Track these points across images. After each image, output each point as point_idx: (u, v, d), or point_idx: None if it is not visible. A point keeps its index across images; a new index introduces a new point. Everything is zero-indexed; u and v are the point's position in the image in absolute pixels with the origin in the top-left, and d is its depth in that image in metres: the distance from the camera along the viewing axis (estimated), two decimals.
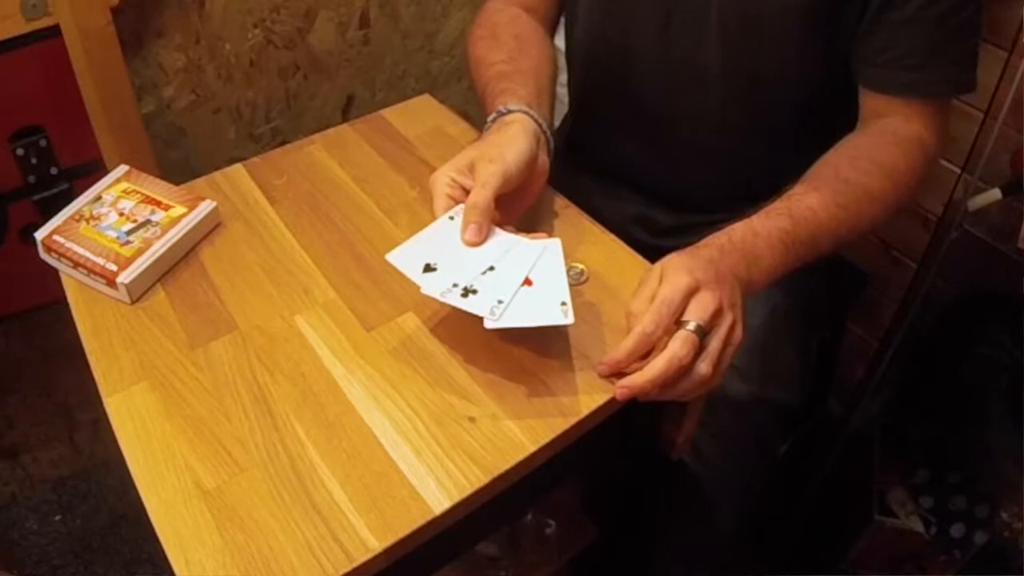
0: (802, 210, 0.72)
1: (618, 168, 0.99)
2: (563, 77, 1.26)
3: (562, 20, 1.02)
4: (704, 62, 0.85)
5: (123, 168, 0.83)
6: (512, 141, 0.72)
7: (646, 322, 0.62)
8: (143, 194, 0.80)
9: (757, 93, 0.85)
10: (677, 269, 0.64)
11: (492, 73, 0.83)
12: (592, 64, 0.97)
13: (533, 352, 0.69)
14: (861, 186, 0.75)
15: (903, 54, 0.77)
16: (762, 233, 0.70)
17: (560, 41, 1.05)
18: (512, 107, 0.76)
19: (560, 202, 0.83)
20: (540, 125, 0.76)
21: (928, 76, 0.77)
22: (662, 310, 0.62)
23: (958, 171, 1.09)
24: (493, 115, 0.76)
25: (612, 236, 0.80)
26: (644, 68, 0.89)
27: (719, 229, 0.96)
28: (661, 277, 0.65)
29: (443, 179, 0.70)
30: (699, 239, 0.96)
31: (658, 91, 0.90)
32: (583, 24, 0.95)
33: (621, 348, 0.63)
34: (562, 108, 1.11)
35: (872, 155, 0.77)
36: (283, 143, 1.21)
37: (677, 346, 0.61)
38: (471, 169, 0.70)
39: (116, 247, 0.75)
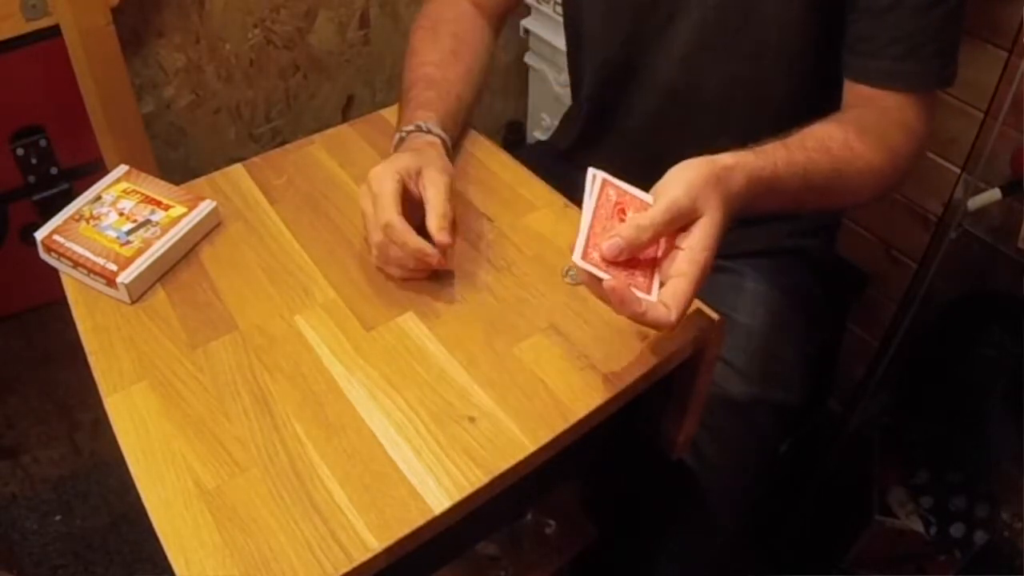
0: (813, 173, 0.72)
1: (620, 171, 0.99)
2: (563, 78, 1.27)
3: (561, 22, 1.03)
4: (706, 58, 0.85)
5: (123, 168, 0.83)
6: (445, 163, 0.77)
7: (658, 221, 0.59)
8: (143, 194, 0.80)
9: (759, 89, 0.86)
10: (715, 210, 0.60)
11: (420, 74, 0.85)
12: (598, 66, 0.97)
13: (533, 352, 0.69)
14: (864, 160, 0.74)
15: (886, 43, 0.76)
16: (781, 188, 0.69)
17: (561, 43, 1.05)
18: (433, 128, 0.79)
19: (560, 202, 0.82)
20: (448, 151, 0.80)
21: (911, 67, 0.77)
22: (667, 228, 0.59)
23: (958, 171, 1.09)
24: (412, 127, 0.79)
25: None
26: (649, 66, 0.90)
27: None
28: (699, 205, 0.60)
29: (392, 176, 0.71)
30: None
31: (663, 88, 0.90)
32: (588, 25, 0.95)
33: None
34: (562, 108, 1.11)
35: (878, 131, 0.76)
36: (283, 143, 1.21)
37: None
38: (418, 174, 0.73)
39: (116, 247, 0.75)
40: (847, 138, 0.74)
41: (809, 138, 0.72)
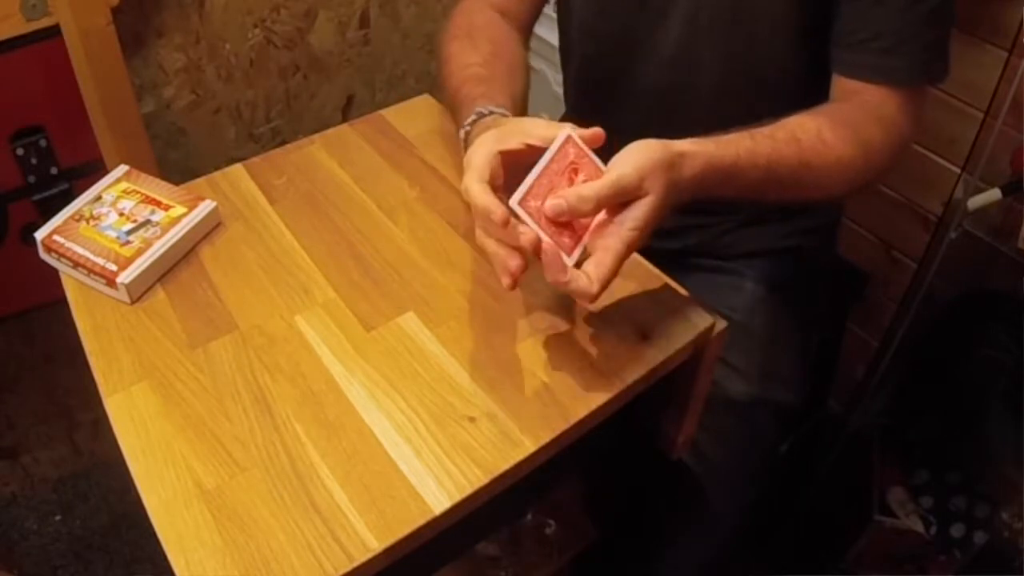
0: (777, 164, 0.71)
1: None
2: (561, 78, 1.26)
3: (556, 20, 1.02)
4: (697, 55, 0.85)
5: (123, 168, 0.84)
6: (527, 119, 0.70)
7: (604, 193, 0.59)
8: (143, 194, 0.80)
9: (751, 86, 0.85)
10: (657, 194, 0.61)
11: (468, 75, 0.83)
12: (587, 63, 0.97)
13: (533, 352, 0.69)
14: (835, 153, 0.74)
15: (871, 37, 0.76)
16: (740, 177, 0.69)
17: (556, 39, 1.05)
18: (495, 109, 0.75)
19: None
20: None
21: (896, 62, 0.76)
22: (615, 197, 0.60)
23: (958, 171, 1.09)
24: (474, 116, 0.75)
25: None
26: (639, 65, 0.90)
27: (717, 230, 0.97)
28: (644, 178, 0.61)
29: (485, 145, 0.64)
30: (701, 240, 0.97)
31: (653, 87, 0.90)
32: (577, 22, 0.95)
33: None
34: (562, 107, 1.11)
35: (853, 125, 0.76)
36: (283, 143, 1.21)
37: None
38: (501, 141, 0.65)
39: (116, 247, 0.75)
40: (820, 131, 0.73)
41: (780, 129, 0.72)
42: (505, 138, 0.64)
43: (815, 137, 0.73)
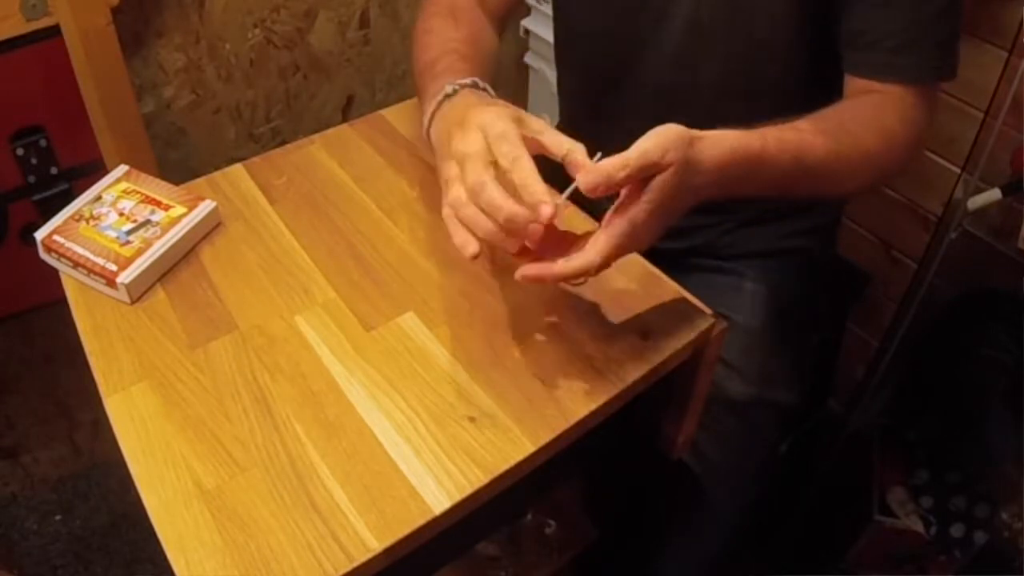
0: (806, 152, 0.71)
1: None
2: None
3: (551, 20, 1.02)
4: (698, 54, 0.85)
5: (123, 168, 0.83)
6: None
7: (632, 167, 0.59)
8: (143, 194, 0.80)
9: (751, 85, 0.85)
10: (672, 172, 0.61)
11: (450, 48, 0.82)
12: (586, 62, 0.97)
13: (533, 352, 0.69)
14: (861, 143, 0.74)
15: (880, 37, 0.76)
16: (769, 165, 0.68)
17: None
18: (489, 89, 0.74)
19: (560, 202, 0.82)
20: None
21: (906, 60, 0.77)
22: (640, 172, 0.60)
23: (958, 171, 1.09)
24: (468, 82, 0.73)
25: None
26: (639, 64, 0.89)
27: (717, 230, 0.97)
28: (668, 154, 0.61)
29: (510, 116, 0.63)
30: (700, 240, 0.97)
31: (653, 86, 0.90)
32: (577, 21, 0.95)
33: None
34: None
35: (875, 117, 0.76)
36: (283, 143, 1.21)
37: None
38: (519, 122, 0.65)
39: (116, 247, 0.75)
40: (844, 122, 0.74)
41: (805, 121, 0.72)
42: (523, 121, 0.64)
43: (840, 129, 0.73)
